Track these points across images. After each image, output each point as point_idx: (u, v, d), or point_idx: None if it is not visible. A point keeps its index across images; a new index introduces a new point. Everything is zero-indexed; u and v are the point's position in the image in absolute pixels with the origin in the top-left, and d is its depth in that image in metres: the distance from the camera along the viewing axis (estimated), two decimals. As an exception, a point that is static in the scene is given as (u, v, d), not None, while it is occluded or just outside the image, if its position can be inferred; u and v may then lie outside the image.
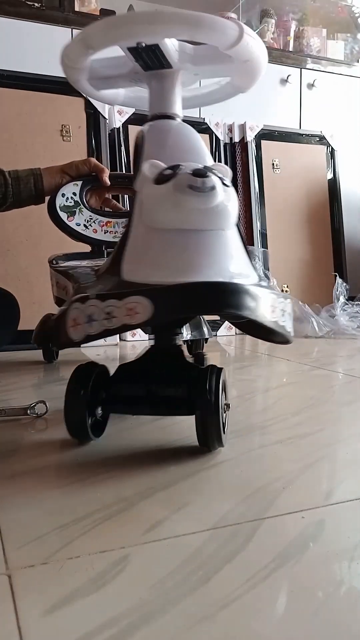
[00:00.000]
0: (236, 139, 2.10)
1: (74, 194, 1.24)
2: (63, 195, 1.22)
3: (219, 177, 0.72)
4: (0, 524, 0.52)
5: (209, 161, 0.81)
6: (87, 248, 1.76)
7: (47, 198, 1.29)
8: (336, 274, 2.07)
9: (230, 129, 2.11)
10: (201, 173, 0.69)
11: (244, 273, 0.74)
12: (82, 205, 1.25)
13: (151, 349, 0.81)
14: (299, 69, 2.28)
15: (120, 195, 1.71)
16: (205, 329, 1.32)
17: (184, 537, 0.50)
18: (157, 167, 0.73)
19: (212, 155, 2.06)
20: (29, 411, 0.89)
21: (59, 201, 1.22)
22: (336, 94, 2.37)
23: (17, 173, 1.22)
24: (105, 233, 1.26)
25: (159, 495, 0.59)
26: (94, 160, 1.26)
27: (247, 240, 2.07)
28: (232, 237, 0.74)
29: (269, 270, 2.01)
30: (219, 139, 2.08)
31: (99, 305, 0.66)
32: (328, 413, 0.94)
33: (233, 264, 0.73)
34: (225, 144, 2.09)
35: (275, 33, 2.35)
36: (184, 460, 0.69)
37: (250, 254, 0.80)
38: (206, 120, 2.07)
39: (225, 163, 2.08)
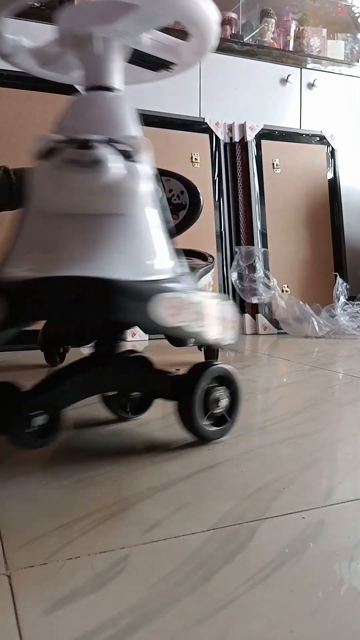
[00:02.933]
0: (236, 139, 2.10)
1: None
2: None
3: (121, 150, 0.60)
4: (0, 524, 0.52)
5: (132, 134, 0.69)
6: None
7: None
8: (336, 273, 2.06)
9: (231, 128, 2.11)
10: (85, 144, 0.57)
11: (149, 267, 0.61)
12: None
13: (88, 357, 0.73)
14: (299, 69, 2.28)
15: None
16: None
17: (184, 537, 0.49)
18: (46, 140, 0.64)
19: (212, 155, 2.06)
20: (28, 411, 0.88)
21: None
22: (336, 93, 2.37)
23: (22, 172, 1.19)
24: None
25: (159, 495, 0.59)
26: None
27: (247, 240, 2.07)
28: (136, 224, 0.62)
29: (269, 270, 2.01)
30: (219, 139, 2.08)
31: None
32: (328, 413, 0.94)
33: (129, 256, 0.60)
34: (225, 144, 2.09)
35: (276, 33, 2.35)
36: (184, 461, 0.69)
37: (170, 245, 0.67)
38: (206, 120, 2.07)
39: (225, 163, 2.08)
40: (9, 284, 0.54)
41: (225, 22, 2.24)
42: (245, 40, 2.26)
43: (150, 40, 0.78)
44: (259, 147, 2.14)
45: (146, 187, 0.60)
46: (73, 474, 0.65)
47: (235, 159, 2.10)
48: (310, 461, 0.70)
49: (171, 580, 0.43)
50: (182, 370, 0.72)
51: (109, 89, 0.73)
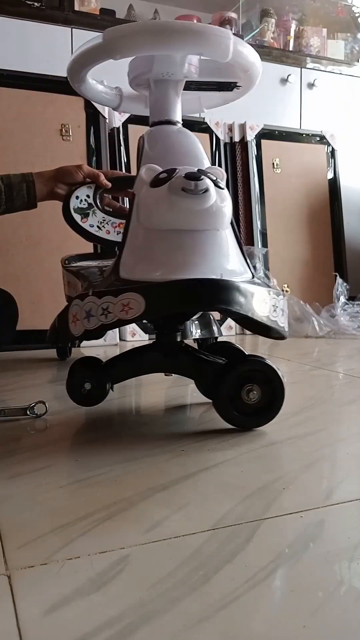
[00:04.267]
0: (236, 139, 2.10)
1: (88, 196, 1.26)
2: (77, 197, 1.24)
3: (213, 180, 0.75)
4: (0, 524, 0.52)
5: (206, 164, 0.85)
6: (89, 248, 1.79)
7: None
8: (336, 274, 2.06)
9: (231, 128, 2.11)
10: (194, 176, 0.72)
11: (238, 270, 0.77)
12: (95, 207, 1.27)
13: (151, 345, 0.86)
14: (299, 69, 2.28)
15: (120, 197, 1.70)
16: (214, 328, 1.33)
17: (184, 537, 0.49)
18: (153, 170, 0.77)
19: (212, 155, 2.06)
20: (28, 411, 0.88)
21: (73, 203, 1.23)
22: (336, 93, 2.37)
23: (10, 179, 1.21)
24: (118, 234, 1.27)
25: (159, 495, 0.59)
26: (86, 167, 1.25)
27: (247, 240, 2.07)
28: (226, 237, 0.78)
29: (269, 270, 2.01)
30: (219, 139, 2.08)
31: (96, 302, 0.72)
32: (328, 413, 0.94)
33: (226, 261, 0.76)
34: (225, 144, 2.09)
35: (275, 33, 2.35)
36: (184, 461, 0.69)
37: (245, 253, 0.82)
38: (206, 120, 2.07)
39: (226, 163, 2.08)
40: (146, 286, 0.70)
41: (225, 22, 2.24)
42: (245, 40, 2.26)
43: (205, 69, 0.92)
44: (259, 147, 2.14)
45: (229, 208, 0.77)
46: (73, 474, 0.65)
47: (235, 158, 2.10)
48: (311, 461, 0.69)
49: (171, 580, 0.42)
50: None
51: (173, 122, 0.89)
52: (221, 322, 1.93)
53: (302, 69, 2.29)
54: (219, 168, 0.80)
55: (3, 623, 0.38)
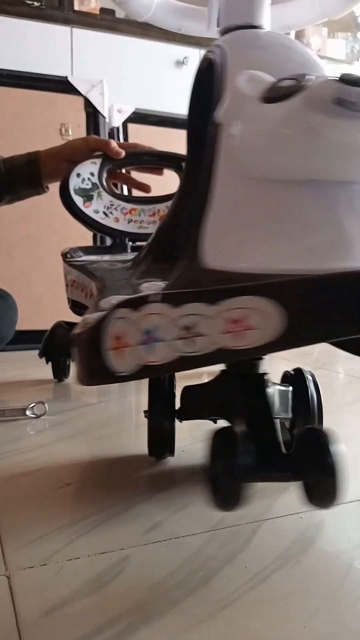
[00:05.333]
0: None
1: (92, 174, 1.00)
2: (78, 175, 0.99)
3: None
4: (0, 525, 0.52)
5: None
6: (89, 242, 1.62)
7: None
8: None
9: (230, 128, 2.11)
10: (357, 80, 0.40)
11: None
12: (101, 189, 1.00)
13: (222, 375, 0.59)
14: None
15: (119, 185, 1.55)
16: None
17: (184, 538, 0.49)
18: (261, 80, 0.46)
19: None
20: (28, 412, 0.88)
21: (74, 183, 0.98)
22: None
23: (12, 162, 1.05)
24: (129, 222, 1.03)
25: (159, 496, 0.59)
26: (93, 137, 1.08)
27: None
28: None
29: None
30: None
31: (168, 313, 0.39)
32: (328, 413, 0.93)
33: None
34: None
35: (276, 32, 2.35)
36: (184, 461, 0.69)
37: None
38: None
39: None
40: (285, 283, 0.38)
41: (225, 21, 2.24)
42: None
43: None
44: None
45: None
46: (73, 474, 0.65)
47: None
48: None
49: (171, 581, 0.42)
50: None
51: (256, 27, 0.60)
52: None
53: (302, 69, 2.29)
54: None
55: (3, 624, 0.37)
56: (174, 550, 0.47)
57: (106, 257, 0.97)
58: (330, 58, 2.37)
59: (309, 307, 0.36)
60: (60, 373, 1.20)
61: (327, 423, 0.88)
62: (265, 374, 0.58)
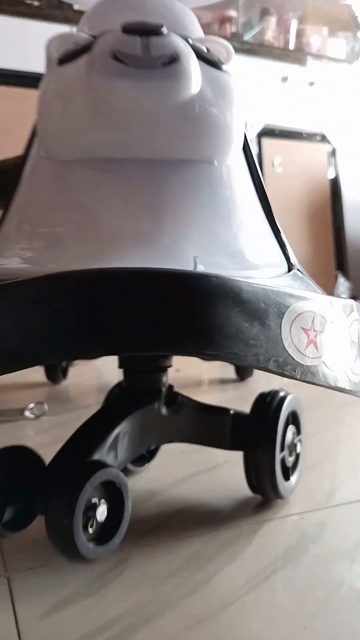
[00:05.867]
0: (236, 138, 2.10)
1: None
2: None
3: (195, 49, 0.35)
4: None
5: (197, 35, 0.43)
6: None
7: None
8: (339, 272, 2.06)
9: (231, 127, 2.11)
10: (142, 28, 0.32)
11: (258, 257, 0.38)
12: None
13: (118, 393, 0.54)
14: (300, 67, 2.28)
15: None
16: None
17: (184, 539, 0.49)
18: (71, 39, 0.38)
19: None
20: (26, 412, 0.88)
21: None
22: (337, 92, 2.36)
23: (3, 164, 1.07)
24: None
25: (159, 497, 0.59)
26: None
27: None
28: (230, 181, 0.38)
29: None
30: (219, 138, 2.08)
31: None
32: (329, 414, 0.93)
33: (227, 236, 0.36)
34: (225, 143, 2.09)
35: (276, 31, 2.35)
36: (184, 462, 0.69)
37: (275, 223, 0.45)
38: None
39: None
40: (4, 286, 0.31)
41: (225, 20, 2.24)
42: (245, 38, 2.26)
43: None
44: (259, 145, 2.14)
45: (238, 118, 0.37)
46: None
47: (235, 158, 2.10)
48: (311, 462, 0.69)
49: (171, 582, 0.42)
50: None
51: None
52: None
53: (303, 68, 2.28)
54: (221, 40, 0.41)
55: (3, 625, 0.37)
56: (173, 551, 0.47)
57: None
58: (330, 57, 2.37)
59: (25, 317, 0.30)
60: (53, 374, 1.18)
61: (328, 423, 0.88)
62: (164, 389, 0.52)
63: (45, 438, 0.81)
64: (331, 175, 2.28)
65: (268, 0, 2.38)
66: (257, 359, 0.29)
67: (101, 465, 0.41)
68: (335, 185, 2.28)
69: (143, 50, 0.30)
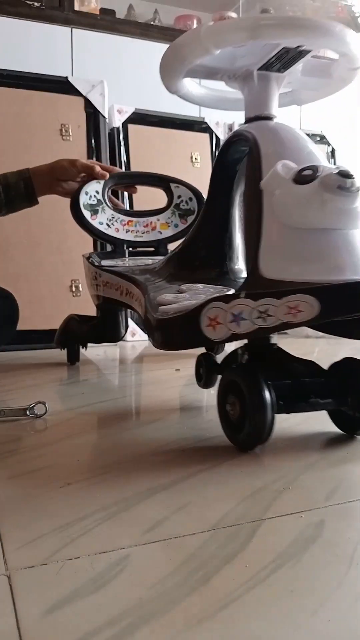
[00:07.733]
0: (236, 139, 2.10)
1: (97, 192, 1.23)
2: (86, 193, 1.22)
3: None
4: (0, 524, 0.52)
5: (324, 162, 0.82)
6: (88, 247, 1.78)
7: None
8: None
9: (231, 128, 2.11)
10: (348, 174, 0.70)
11: None
12: (104, 204, 1.25)
13: (248, 348, 0.85)
14: (299, 69, 2.28)
15: (119, 192, 1.70)
16: None
17: (184, 537, 0.49)
18: (290, 167, 0.75)
19: (213, 155, 2.06)
20: (28, 412, 0.88)
21: (83, 199, 1.21)
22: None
23: (7, 179, 1.22)
24: (126, 232, 1.26)
25: (159, 495, 0.59)
26: (80, 161, 1.25)
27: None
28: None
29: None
30: (219, 138, 2.08)
31: (249, 304, 0.67)
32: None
33: None
34: (225, 144, 2.09)
35: (276, 32, 2.35)
36: (184, 461, 0.69)
37: None
38: (206, 120, 2.07)
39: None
40: (321, 287, 0.66)
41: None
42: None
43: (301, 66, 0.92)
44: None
45: None
46: (72, 474, 0.65)
47: (235, 158, 2.10)
48: (311, 461, 0.69)
49: (171, 581, 0.42)
50: None
51: (271, 118, 0.89)
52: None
53: (302, 69, 2.28)
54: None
55: (3, 623, 0.37)
56: (173, 550, 0.47)
57: (120, 263, 1.19)
58: (330, 58, 2.37)
59: (333, 299, 0.65)
60: (73, 357, 1.40)
61: (329, 423, 0.88)
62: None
63: (46, 437, 0.81)
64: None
65: (267, 1, 2.38)
66: None
67: None
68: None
69: (350, 185, 0.70)
